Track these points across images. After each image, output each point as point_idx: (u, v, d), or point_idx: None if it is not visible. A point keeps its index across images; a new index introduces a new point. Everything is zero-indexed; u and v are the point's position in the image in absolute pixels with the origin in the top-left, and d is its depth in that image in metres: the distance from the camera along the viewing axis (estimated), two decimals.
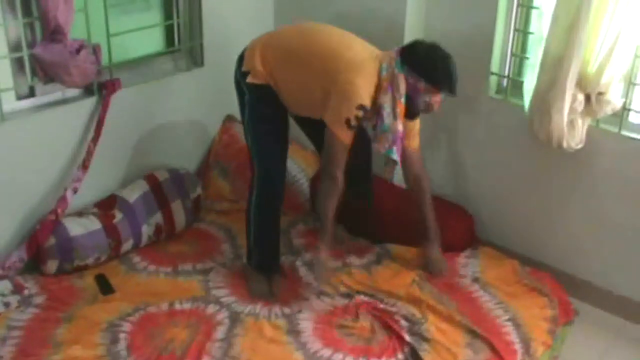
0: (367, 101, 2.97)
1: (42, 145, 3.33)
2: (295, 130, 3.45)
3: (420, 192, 3.42)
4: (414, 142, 3.31)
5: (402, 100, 2.99)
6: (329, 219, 3.16)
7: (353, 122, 2.97)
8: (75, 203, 3.41)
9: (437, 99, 3.02)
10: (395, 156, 3.08)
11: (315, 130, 3.28)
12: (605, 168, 3.37)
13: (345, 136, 3.00)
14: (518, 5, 3.50)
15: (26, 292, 3.16)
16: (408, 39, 3.44)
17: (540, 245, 3.67)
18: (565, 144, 3.25)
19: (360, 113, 2.96)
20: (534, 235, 3.69)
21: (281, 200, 3.34)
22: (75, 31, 3.25)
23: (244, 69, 3.20)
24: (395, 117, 3.00)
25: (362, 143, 3.42)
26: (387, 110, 2.99)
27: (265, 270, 3.40)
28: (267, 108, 3.22)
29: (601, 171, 3.38)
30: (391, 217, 3.77)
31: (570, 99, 3.15)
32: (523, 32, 3.53)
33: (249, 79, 3.17)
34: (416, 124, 3.26)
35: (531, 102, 3.30)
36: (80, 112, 3.44)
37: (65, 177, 3.43)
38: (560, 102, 3.15)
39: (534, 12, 3.41)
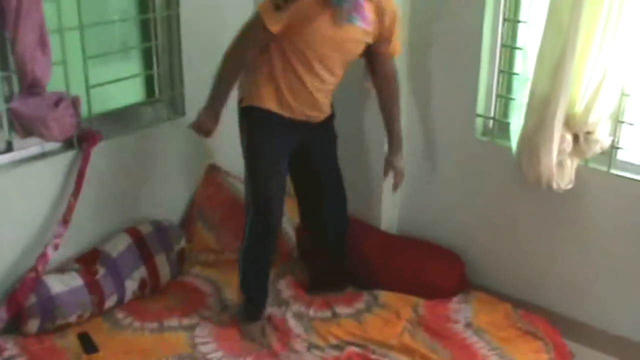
0: None
1: (21, 201, 3.25)
2: None
3: (389, 93, 3.41)
4: (391, 48, 3.28)
5: None
6: (218, 91, 3.17)
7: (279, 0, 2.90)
8: (56, 258, 3.32)
9: None
10: (359, 22, 3.00)
11: (304, 179, 3.46)
12: (596, 207, 3.32)
13: (269, 17, 2.94)
14: (501, 46, 3.48)
15: (6, 353, 3.05)
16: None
17: (533, 287, 3.60)
18: (554, 185, 3.21)
19: None
20: (526, 277, 3.62)
21: (273, 245, 3.38)
22: (54, 83, 3.20)
23: (240, 97, 3.25)
24: None
25: (338, 203, 3.58)
26: None
27: (254, 318, 3.37)
28: (264, 132, 3.21)
29: (592, 210, 3.34)
30: (379, 264, 3.71)
31: (558, 139, 3.12)
32: (508, 73, 3.51)
33: (244, 103, 3.21)
34: (393, 31, 3.21)
35: (519, 143, 3.27)
36: (60, 165, 3.37)
37: (46, 233, 3.34)
38: (548, 143, 3.11)
39: (518, 53, 3.39)
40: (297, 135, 3.27)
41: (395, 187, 3.58)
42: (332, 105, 3.37)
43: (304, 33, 2.99)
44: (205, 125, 3.27)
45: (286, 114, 3.19)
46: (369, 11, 3.03)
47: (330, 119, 3.40)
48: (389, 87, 3.39)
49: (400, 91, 3.44)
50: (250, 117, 3.22)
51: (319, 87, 3.17)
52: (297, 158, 3.37)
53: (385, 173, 3.56)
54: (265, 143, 3.23)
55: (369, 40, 3.16)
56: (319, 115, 3.30)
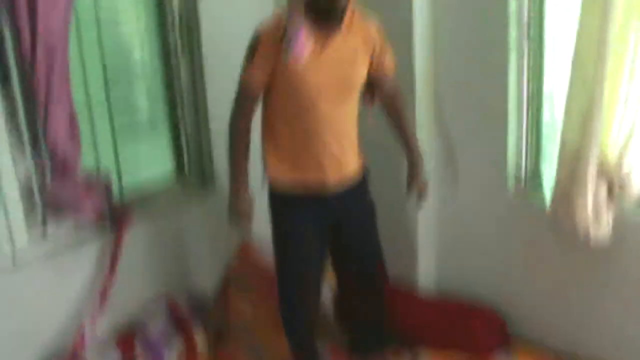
0: (263, 37, 2.89)
1: (57, 286, 3.26)
2: None
3: (396, 108, 3.29)
4: (386, 67, 3.14)
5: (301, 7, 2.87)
6: (234, 166, 3.05)
7: (248, 53, 2.93)
8: (94, 338, 3.31)
9: None
10: (293, 55, 2.85)
11: (337, 252, 3.28)
12: (636, 256, 3.24)
13: (247, 72, 2.94)
14: (528, 100, 3.46)
15: None
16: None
17: (577, 339, 3.52)
18: (591, 237, 3.15)
19: (254, 42, 2.91)
20: (569, 329, 3.54)
21: (306, 324, 3.28)
22: (85, 163, 3.23)
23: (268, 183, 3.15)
24: (294, 23, 2.86)
25: (369, 247, 3.33)
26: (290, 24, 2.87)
27: None
28: (285, 213, 3.13)
29: (631, 260, 3.25)
30: (418, 324, 3.68)
31: (592, 190, 3.07)
32: (536, 127, 3.48)
33: (271, 187, 3.13)
34: (385, 53, 3.10)
35: (552, 196, 3.22)
36: (94, 248, 3.37)
37: (82, 315, 3.33)
38: (582, 195, 3.07)
39: (546, 106, 3.37)
40: (323, 210, 3.10)
41: (420, 200, 3.38)
42: (364, 167, 3.21)
43: (285, 74, 2.91)
44: (239, 209, 3.10)
45: (300, 179, 3.07)
46: (306, 39, 2.88)
47: (361, 185, 3.19)
48: (395, 103, 3.28)
49: (405, 104, 3.34)
50: (271, 197, 3.14)
51: (327, 128, 2.99)
52: (329, 233, 3.21)
53: (410, 189, 3.35)
54: (288, 230, 3.12)
55: (363, 61, 3.02)
56: (340, 171, 3.07)
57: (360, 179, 3.18)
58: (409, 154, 3.34)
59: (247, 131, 3.03)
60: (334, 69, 2.93)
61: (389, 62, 3.15)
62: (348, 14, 2.91)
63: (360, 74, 3.04)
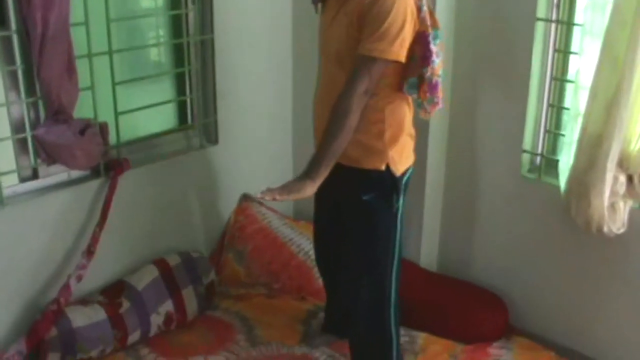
0: None
1: (45, 230, 3.16)
2: None
3: None
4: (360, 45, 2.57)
5: None
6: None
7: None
8: (80, 289, 3.21)
9: None
10: None
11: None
12: None
13: None
14: (552, 79, 3.29)
15: None
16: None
17: (580, 334, 3.40)
18: (605, 229, 3.00)
19: None
20: (573, 323, 3.42)
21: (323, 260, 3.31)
22: (82, 109, 3.10)
23: None
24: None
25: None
26: None
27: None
28: None
29: None
30: (417, 301, 3.50)
31: (611, 180, 2.92)
32: (557, 108, 3.32)
33: None
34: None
35: (567, 183, 3.08)
36: (86, 194, 3.26)
37: (69, 264, 3.23)
38: (600, 185, 2.91)
39: (569, 87, 3.21)
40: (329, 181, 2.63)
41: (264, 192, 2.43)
42: (374, 164, 2.74)
43: None
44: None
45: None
46: None
47: (356, 176, 2.76)
48: None
49: (340, 106, 2.54)
50: None
51: (322, 93, 2.82)
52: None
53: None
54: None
55: (347, 29, 2.61)
56: None
57: (358, 171, 2.76)
58: None
59: None
60: (329, 33, 2.74)
61: (365, 36, 2.55)
62: None
63: (342, 43, 2.66)
